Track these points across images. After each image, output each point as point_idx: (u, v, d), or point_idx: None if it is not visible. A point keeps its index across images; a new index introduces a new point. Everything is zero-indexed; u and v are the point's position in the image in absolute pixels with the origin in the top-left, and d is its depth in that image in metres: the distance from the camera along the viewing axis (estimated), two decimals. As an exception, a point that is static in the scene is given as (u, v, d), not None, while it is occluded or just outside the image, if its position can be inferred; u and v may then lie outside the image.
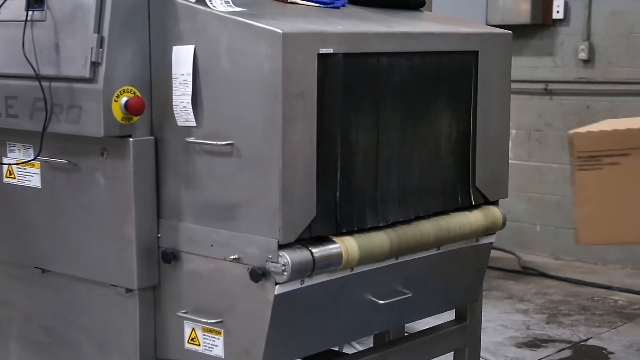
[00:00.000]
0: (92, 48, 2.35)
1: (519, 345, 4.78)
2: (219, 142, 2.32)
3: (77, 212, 2.54)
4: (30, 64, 2.46)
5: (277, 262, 2.25)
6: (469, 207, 2.77)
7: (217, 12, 2.31)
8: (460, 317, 3.08)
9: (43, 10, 2.46)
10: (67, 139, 2.49)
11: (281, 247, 2.26)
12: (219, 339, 2.40)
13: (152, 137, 2.45)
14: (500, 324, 5.12)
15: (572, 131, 2.03)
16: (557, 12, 6.44)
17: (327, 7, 2.64)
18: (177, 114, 2.39)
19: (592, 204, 2.00)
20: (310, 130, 2.28)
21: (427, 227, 2.62)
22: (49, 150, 2.54)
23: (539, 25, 6.48)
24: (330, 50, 2.30)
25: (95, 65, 2.36)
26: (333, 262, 2.36)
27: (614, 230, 2.01)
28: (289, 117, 2.23)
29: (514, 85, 2.93)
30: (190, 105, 2.35)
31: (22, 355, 2.81)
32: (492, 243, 2.91)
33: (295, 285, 2.32)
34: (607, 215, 2.01)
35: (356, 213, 2.43)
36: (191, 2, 2.36)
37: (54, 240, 2.62)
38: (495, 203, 2.87)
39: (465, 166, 2.76)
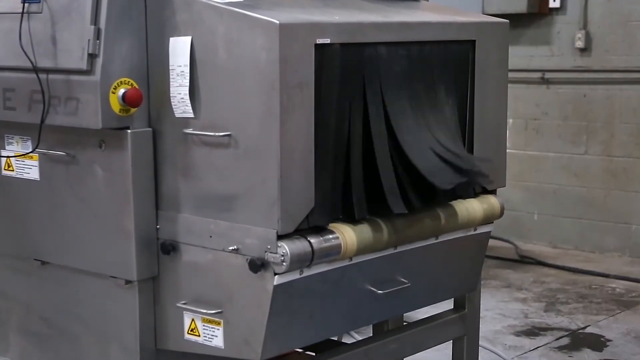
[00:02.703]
0: (89, 40, 2.35)
1: (517, 334, 4.80)
2: (217, 134, 2.32)
3: (75, 204, 2.54)
4: (27, 56, 2.46)
5: (275, 253, 2.26)
6: (467, 196, 2.78)
7: (213, 3, 2.31)
8: (458, 306, 3.09)
9: (39, 2, 2.46)
10: (65, 131, 2.49)
11: (280, 237, 2.26)
12: (218, 329, 2.41)
13: (150, 129, 2.45)
14: (499, 312, 5.14)
15: None
16: (554, 0, 6.44)
17: (323, -2, 2.64)
18: (175, 105, 2.39)
19: None
20: (308, 121, 2.29)
21: (425, 217, 2.63)
22: (47, 143, 2.54)
23: (536, 14, 6.48)
24: (328, 41, 2.30)
25: (92, 57, 2.35)
26: (332, 252, 2.36)
27: None
28: (286, 107, 2.23)
29: (510, 75, 2.93)
30: (187, 97, 2.36)
31: (22, 347, 2.81)
32: (490, 232, 2.92)
33: (294, 275, 2.32)
34: None
35: (354, 203, 2.44)
36: (188, -7, 2.36)
37: (53, 233, 2.62)
38: (493, 192, 2.88)
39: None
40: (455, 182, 2.54)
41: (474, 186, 2.72)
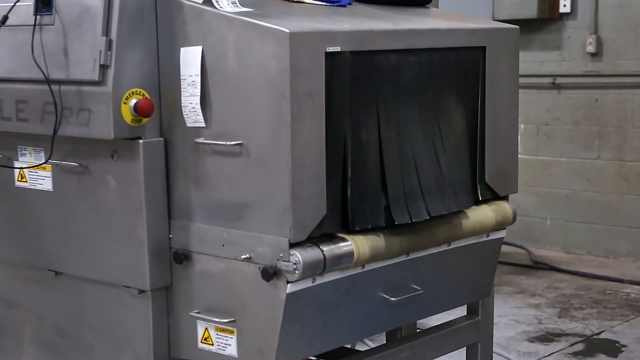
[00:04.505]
0: (100, 51, 2.36)
1: (532, 340, 4.78)
2: (228, 143, 2.33)
3: (88, 214, 2.56)
4: (39, 68, 2.47)
5: (288, 261, 2.26)
6: (479, 203, 2.77)
7: (223, 13, 2.32)
8: (472, 313, 3.08)
9: (51, 14, 2.47)
10: (78, 142, 2.51)
11: (292, 245, 2.26)
12: (232, 338, 2.41)
13: (162, 139, 2.46)
14: (512, 318, 5.12)
15: None
16: (564, 5, 6.43)
17: (333, 6, 2.64)
18: (186, 115, 2.40)
19: None
20: (319, 129, 2.29)
21: (438, 224, 2.62)
22: (60, 154, 2.55)
23: (546, 19, 6.47)
24: (338, 49, 2.31)
25: (104, 68, 2.37)
26: (344, 260, 2.37)
27: None
28: (297, 116, 2.23)
29: (521, 80, 2.93)
30: (199, 106, 2.36)
31: (36, 357, 2.82)
32: (502, 238, 2.91)
33: (307, 283, 2.33)
34: None
35: (366, 210, 2.44)
36: (198, 3, 2.37)
37: (66, 243, 2.63)
38: (505, 198, 2.87)
39: (475, 162, 2.76)
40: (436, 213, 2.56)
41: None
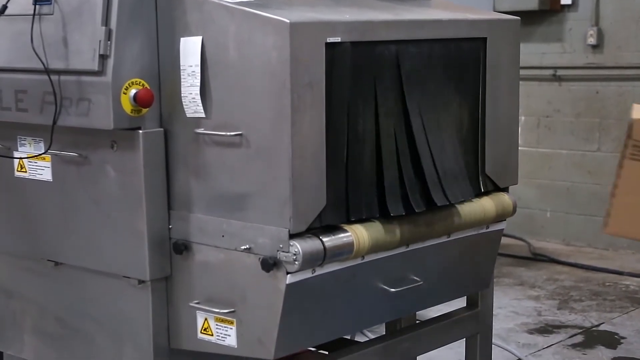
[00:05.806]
0: (100, 41, 2.36)
1: (531, 332, 4.79)
2: (228, 133, 2.32)
3: (88, 204, 2.55)
4: (39, 58, 2.47)
5: (288, 252, 2.26)
6: (479, 194, 2.77)
7: (224, 3, 2.32)
8: (471, 304, 3.08)
9: (50, 4, 2.47)
10: (77, 132, 2.50)
11: (292, 236, 2.26)
12: (231, 328, 2.42)
13: (162, 129, 2.45)
14: (512, 310, 5.13)
15: (634, 117, 1.96)
16: (565, -3, 6.42)
17: (334, -4, 2.64)
18: (186, 105, 2.39)
19: (633, 196, 1.95)
20: (319, 120, 2.29)
21: (437, 215, 2.62)
22: (59, 144, 2.55)
23: (547, 11, 6.46)
24: (338, 39, 2.31)
25: (103, 58, 2.36)
26: (344, 250, 2.37)
27: None
28: (297, 106, 2.23)
29: (522, 72, 2.92)
30: (199, 97, 2.36)
31: (36, 347, 2.83)
32: (502, 230, 2.91)
33: (307, 274, 2.33)
34: None
35: (366, 201, 2.44)
36: (198, -7, 2.36)
37: (66, 233, 2.63)
38: (505, 190, 2.87)
39: (475, 153, 2.76)
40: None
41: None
